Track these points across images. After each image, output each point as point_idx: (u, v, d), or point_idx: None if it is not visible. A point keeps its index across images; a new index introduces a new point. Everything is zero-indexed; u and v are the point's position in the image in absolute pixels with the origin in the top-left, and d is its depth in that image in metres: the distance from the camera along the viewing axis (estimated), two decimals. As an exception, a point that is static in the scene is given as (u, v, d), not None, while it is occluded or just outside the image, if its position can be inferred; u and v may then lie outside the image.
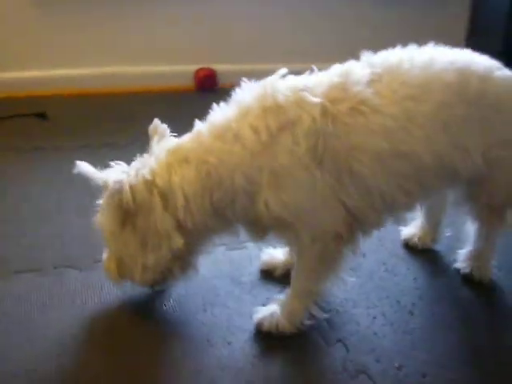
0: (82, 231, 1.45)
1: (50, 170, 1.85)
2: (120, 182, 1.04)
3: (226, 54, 2.94)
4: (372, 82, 1.03)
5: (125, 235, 1.08)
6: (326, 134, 0.99)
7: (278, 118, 1.00)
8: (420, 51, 1.11)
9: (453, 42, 1.16)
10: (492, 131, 1.11)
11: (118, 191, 1.03)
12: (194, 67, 2.88)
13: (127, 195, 1.03)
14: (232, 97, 1.08)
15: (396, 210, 1.12)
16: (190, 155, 1.05)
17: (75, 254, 1.38)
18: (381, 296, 1.28)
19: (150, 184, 1.04)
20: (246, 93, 1.06)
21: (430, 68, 1.06)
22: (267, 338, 1.12)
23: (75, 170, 1.08)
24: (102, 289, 1.25)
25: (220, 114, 1.07)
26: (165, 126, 1.13)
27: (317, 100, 1.00)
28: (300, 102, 1.00)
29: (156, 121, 1.14)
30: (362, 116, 1.00)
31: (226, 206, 1.05)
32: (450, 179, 1.13)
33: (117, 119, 2.38)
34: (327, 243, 1.05)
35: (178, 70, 2.89)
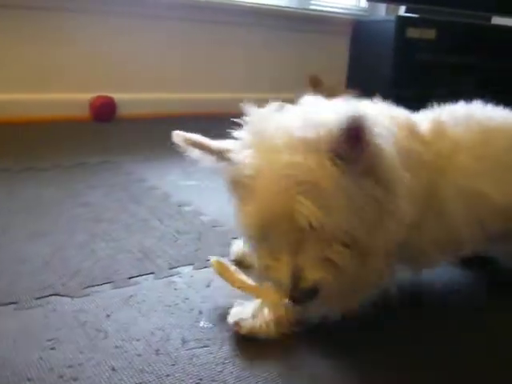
0: (40, 256, 1.20)
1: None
2: None
3: (125, 82, 2.77)
4: (456, 127, 1.08)
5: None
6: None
7: None
8: (476, 106, 1.18)
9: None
10: None
11: None
12: (89, 95, 2.65)
13: None
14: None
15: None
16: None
17: (52, 280, 1.10)
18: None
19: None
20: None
21: (491, 119, 1.14)
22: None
23: None
24: (110, 316, 1.00)
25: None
26: None
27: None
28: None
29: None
30: (461, 158, 1.04)
31: None
32: None
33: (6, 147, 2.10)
34: None
35: (73, 98, 2.63)
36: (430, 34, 3.10)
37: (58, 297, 1.04)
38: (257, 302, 0.97)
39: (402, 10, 3.25)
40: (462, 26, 3.15)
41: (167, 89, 2.91)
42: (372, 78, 3.34)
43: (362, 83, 3.34)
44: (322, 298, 0.84)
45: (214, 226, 1.44)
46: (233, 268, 1.06)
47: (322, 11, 3.45)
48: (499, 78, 3.23)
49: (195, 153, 0.91)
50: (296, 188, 0.78)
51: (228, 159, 0.88)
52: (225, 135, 0.92)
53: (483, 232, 1.06)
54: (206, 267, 1.20)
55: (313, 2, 3.41)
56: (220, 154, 0.88)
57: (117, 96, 2.69)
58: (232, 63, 3.11)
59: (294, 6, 3.30)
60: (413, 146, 0.97)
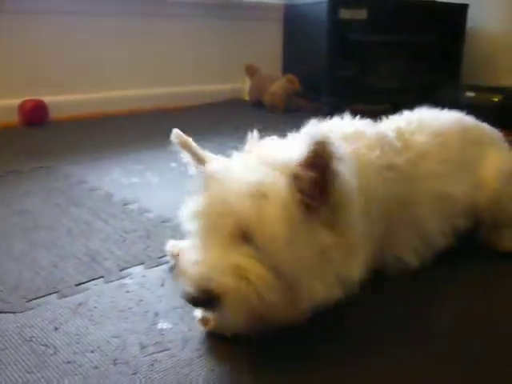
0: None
1: None
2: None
3: (54, 83, 2.64)
4: (415, 135, 1.12)
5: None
6: None
7: None
8: (426, 112, 1.24)
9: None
10: None
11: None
12: (18, 100, 2.50)
13: None
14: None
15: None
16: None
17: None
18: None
19: None
20: None
21: (442, 125, 1.19)
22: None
23: None
24: (59, 328, 0.92)
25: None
26: None
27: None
28: None
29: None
30: (426, 163, 1.09)
31: None
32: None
33: None
34: None
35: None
36: (362, 14, 3.11)
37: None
38: None
39: (332, -8, 3.23)
40: (392, 3, 3.18)
41: (98, 88, 2.79)
42: (307, 62, 3.33)
43: (298, 67, 3.33)
44: (226, 309, 0.76)
45: (162, 222, 1.38)
46: None
47: (252, -2, 3.41)
48: (430, 51, 3.29)
49: (185, 153, 0.93)
50: (247, 194, 0.77)
51: (204, 165, 0.90)
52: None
53: (452, 231, 1.11)
54: (157, 265, 1.14)
55: (243, -11, 3.36)
56: (200, 161, 0.91)
57: (47, 98, 2.55)
58: (172, 57, 3.04)
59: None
60: (384, 163, 0.99)
